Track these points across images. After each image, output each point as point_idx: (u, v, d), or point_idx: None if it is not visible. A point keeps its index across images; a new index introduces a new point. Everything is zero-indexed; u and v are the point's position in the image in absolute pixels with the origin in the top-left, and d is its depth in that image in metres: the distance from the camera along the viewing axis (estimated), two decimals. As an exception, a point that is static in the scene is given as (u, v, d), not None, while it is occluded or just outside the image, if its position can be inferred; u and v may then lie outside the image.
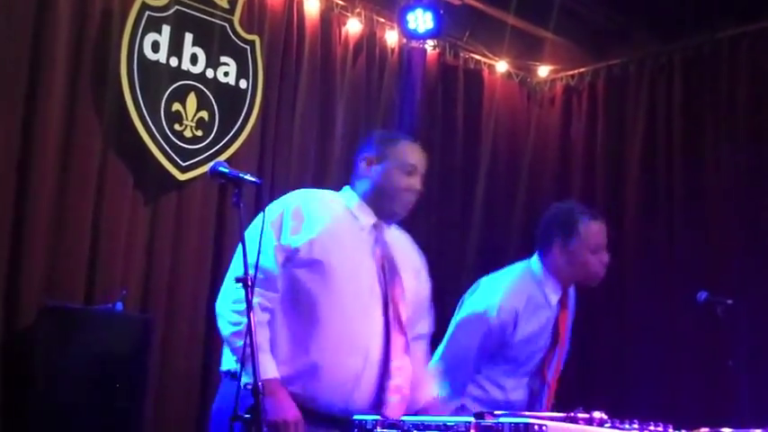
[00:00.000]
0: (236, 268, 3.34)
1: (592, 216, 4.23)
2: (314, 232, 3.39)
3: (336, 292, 3.38)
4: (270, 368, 3.28)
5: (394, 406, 3.41)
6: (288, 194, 3.52)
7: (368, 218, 3.55)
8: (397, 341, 3.46)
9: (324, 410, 3.36)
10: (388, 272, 3.51)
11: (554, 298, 4.19)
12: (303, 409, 3.29)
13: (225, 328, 3.33)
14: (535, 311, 4.15)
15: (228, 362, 3.42)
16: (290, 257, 3.36)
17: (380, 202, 3.55)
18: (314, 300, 3.37)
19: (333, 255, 3.39)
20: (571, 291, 4.36)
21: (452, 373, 4.09)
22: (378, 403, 3.40)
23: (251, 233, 3.29)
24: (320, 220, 3.43)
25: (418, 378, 3.63)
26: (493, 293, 4.15)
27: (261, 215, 3.28)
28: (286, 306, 3.38)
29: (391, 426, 3.32)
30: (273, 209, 3.43)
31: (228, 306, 3.32)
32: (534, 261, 4.25)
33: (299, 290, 3.38)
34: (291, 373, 3.31)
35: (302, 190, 3.58)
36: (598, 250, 4.18)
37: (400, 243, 3.70)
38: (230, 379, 3.38)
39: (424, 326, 3.75)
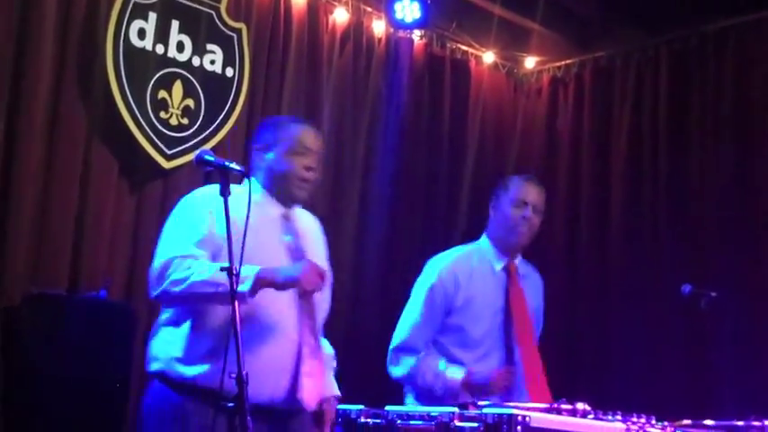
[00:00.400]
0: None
1: (523, 177, 4.38)
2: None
3: None
4: (248, 269, 3.21)
5: (309, 390, 3.37)
6: (198, 192, 3.50)
7: (275, 208, 3.55)
8: (305, 324, 3.43)
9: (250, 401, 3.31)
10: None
11: (498, 265, 4.30)
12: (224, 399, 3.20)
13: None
14: (478, 278, 4.25)
15: (158, 359, 3.37)
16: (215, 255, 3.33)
17: (278, 188, 3.54)
18: None
19: (247, 249, 3.27)
20: (533, 273, 4.49)
21: (410, 341, 4.21)
22: (293, 388, 3.35)
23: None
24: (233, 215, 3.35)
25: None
26: (435, 266, 4.31)
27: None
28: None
29: (375, 415, 3.34)
30: (191, 206, 3.45)
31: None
32: (482, 237, 4.40)
33: None
34: (212, 369, 3.23)
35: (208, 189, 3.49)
36: (520, 205, 4.23)
37: (311, 232, 3.69)
38: (160, 382, 3.35)
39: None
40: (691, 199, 6.15)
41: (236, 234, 3.10)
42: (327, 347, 3.66)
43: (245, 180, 3.51)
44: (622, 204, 6.49)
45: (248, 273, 3.17)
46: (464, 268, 4.26)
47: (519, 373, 4.17)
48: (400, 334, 4.26)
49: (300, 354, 3.37)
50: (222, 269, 3.03)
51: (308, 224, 3.70)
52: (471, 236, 6.61)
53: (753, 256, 5.79)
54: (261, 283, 3.20)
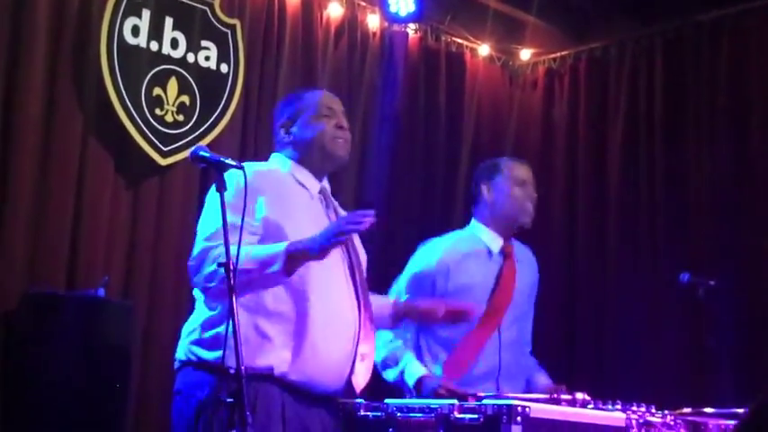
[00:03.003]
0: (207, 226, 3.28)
1: (515, 159, 4.37)
2: (268, 212, 3.27)
3: (310, 269, 3.24)
4: (276, 248, 3.15)
5: (361, 373, 3.35)
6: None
7: (313, 182, 3.47)
8: (365, 310, 3.39)
9: (318, 390, 3.28)
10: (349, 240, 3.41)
11: (495, 246, 4.18)
12: (293, 390, 3.22)
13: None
14: (472, 264, 4.15)
15: (186, 349, 3.33)
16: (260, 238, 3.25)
17: (312, 156, 3.46)
18: (292, 281, 3.24)
19: (293, 233, 3.25)
20: (527, 252, 4.37)
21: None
22: (349, 375, 3.32)
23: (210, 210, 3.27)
24: (271, 196, 3.30)
25: None
26: (428, 254, 4.21)
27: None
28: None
29: (375, 408, 3.34)
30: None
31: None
32: (472, 221, 4.29)
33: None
34: (284, 358, 3.21)
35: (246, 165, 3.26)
36: (524, 184, 4.20)
37: (339, 209, 3.61)
38: (193, 369, 3.27)
39: None
40: (687, 188, 6.15)
41: (276, 207, 3.23)
42: None
43: (275, 155, 3.53)
44: (619, 194, 6.49)
45: (277, 250, 3.12)
46: (456, 258, 4.16)
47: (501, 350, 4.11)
48: None
49: (358, 337, 3.33)
50: (219, 264, 3.02)
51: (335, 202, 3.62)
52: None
53: (750, 244, 5.79)
54: (292, 258, 3.12)
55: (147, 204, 5.30)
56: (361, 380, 3.34)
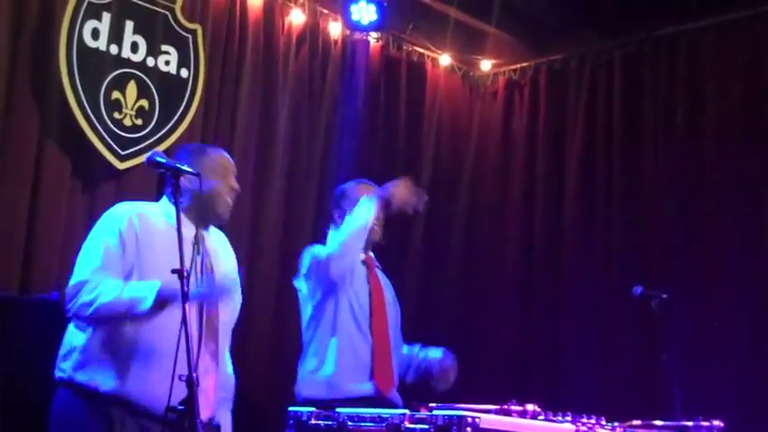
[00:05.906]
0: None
1: (358, 181, 4.91)
2: (142, 251, 3.59)
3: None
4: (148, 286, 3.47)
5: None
6: (116, 207, 3.81)
7: (189, 231, 3.65)
8: (208, 346, 3.61)
9: (138, 407, 3.50)
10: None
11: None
12: (117, 402, 3.47)
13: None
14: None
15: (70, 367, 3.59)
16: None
17: (201, 211, 3.73)
18: None
19: (156, 266, 3.53)
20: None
21: None
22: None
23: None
24: (147, 236, 3.63)
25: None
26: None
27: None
28: None
29: (326, 418, 3.35)
30: (109, 221, 3.71)
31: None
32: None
33: None
34: (110, 368, 3.49)
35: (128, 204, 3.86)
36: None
37: (221, 247, 3.91)
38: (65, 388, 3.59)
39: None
40: (643, 201, 6.21)
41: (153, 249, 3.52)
42: (228, 370, 3.87)
43: (165, 199, 3.78)
44: (576, 205, 6.55)
45: (149, 292, 3.40)
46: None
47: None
48: None
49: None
50: (173, 271, 3.06)
51: (217, 239, 3.91)
52: (429, 236, 6.69)
53: (703, 258, 5.86)
54: (161, 301, 3.41)
55: (104, 208, 5.16)
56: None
